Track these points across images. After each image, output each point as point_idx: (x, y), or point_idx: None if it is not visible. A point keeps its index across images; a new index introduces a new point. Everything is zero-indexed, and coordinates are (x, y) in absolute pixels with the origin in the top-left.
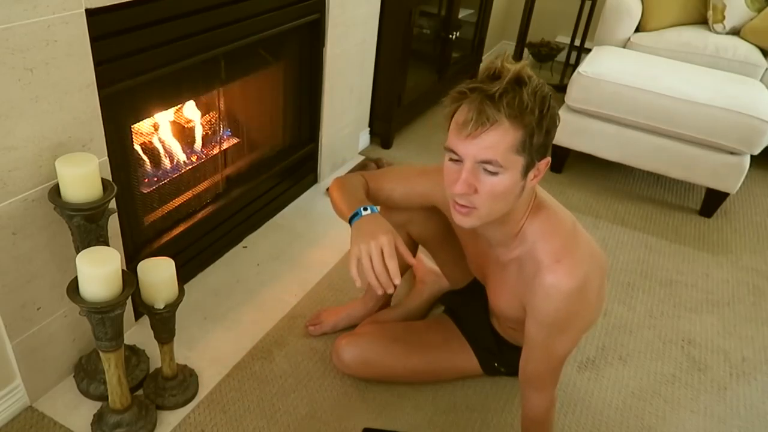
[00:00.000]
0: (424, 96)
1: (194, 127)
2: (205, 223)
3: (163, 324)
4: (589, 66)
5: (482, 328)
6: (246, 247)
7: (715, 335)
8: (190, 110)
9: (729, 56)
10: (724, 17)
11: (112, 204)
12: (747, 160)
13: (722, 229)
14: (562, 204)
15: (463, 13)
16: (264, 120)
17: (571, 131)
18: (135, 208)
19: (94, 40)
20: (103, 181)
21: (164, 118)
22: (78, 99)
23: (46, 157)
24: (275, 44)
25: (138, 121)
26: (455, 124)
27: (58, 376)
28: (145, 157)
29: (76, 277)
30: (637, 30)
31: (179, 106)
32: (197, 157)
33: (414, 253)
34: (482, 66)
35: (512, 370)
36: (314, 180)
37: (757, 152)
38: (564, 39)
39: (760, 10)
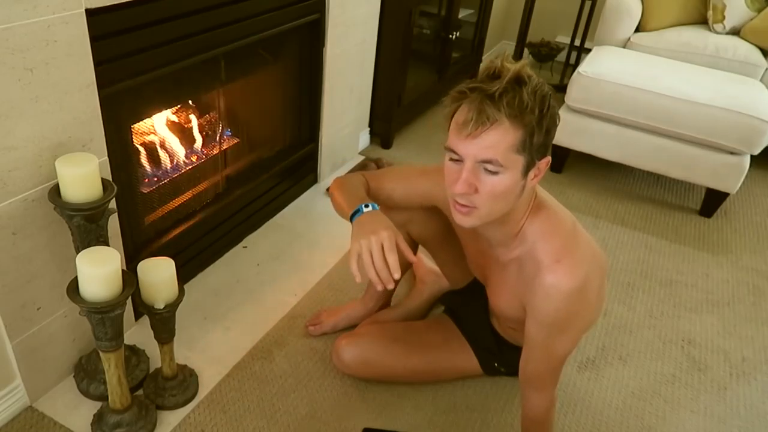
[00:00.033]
0: (424, 96)
1: (194, 127)
2: (205, 223)
3: (163, 324)
4: (589, 66)
5: (482, 328)
6: (246, 247)
7: (715, 335)
8: (190, 110)
9: (729, 56)
10: (724, 17)
11: (112, 204)
12: (747, 160)
13: (722, 229)
14: (562, 204)
15: (463, 13)
16: (264, 120)
17: (571, 131)
18: (135, 208)
19: (94, 40)
20: (103, 181)
21: (164, 118)
22: (78, 99)
23: (46, 157)
24: (275, 44)
25: (138, 121)
26: (455, 123)
27: (58, 376)
28: (145, 157)
29: (76, 277)
30: (637, 30)
31: (179, 106)
32: (197, 157)
33: (414, 252)
34: (482, 66)
35: (512, 370)
36: (314, 180)
37: (757, 152)
38: (564, 39)
39: (760, 10)
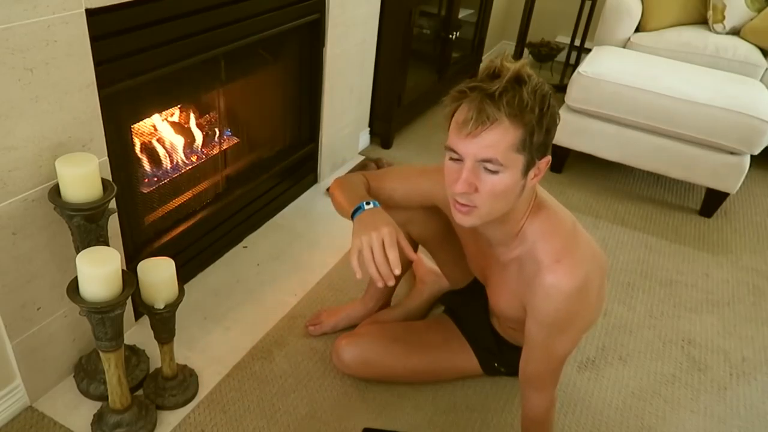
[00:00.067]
0: (424, 96)
1: (194, 127)
2: (205, 223)
3: (163, 324)
4: (589, 66)
5: (482, 328)
6: (246, 247)
7: (715, 335)
8: (190, 110)
9: (729, 56)
10: (724, 17)
11: (112, 204)
12: (747, 160)
13: (722, 229)
14: (562, 204)
15: (463, 13)
16: (264, 120)
17: (571, 131)
18: (135, 208)
19: (94, 40)
20: (103, 181)
21: (164, 118)
22: (78, 99)
23: (46, 157)
24: (275, 44)
25: (138, 121)
26: (455, 123)
27: (58, 376)
28: (145, 157)
29: (76, 277)
30: (637, 30)
31: (179, 105)
32: (197, 157)
33: (414, 251)
34: (482, 66)
35: (512, 370)
36: (314, 180)
37: (757, 152)
38: (564, 39)
39: (760, 10)
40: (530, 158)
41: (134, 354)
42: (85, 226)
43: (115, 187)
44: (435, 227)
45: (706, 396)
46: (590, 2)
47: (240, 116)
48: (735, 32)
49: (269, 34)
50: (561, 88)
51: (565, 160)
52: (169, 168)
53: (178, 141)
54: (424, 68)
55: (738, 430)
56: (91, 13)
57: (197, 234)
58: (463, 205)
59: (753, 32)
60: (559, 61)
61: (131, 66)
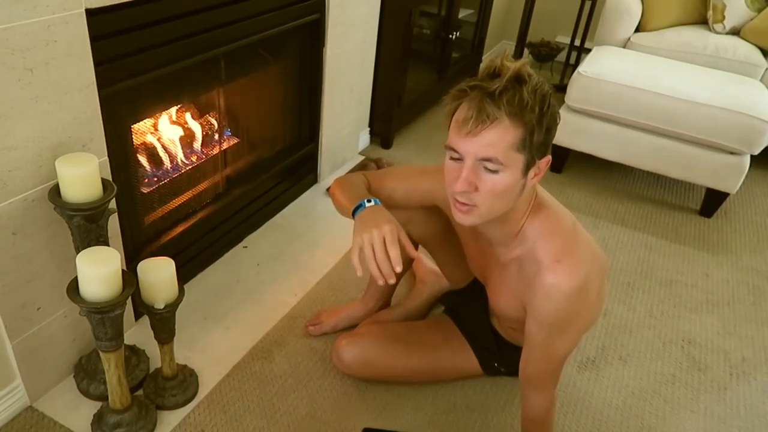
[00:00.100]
0: (424, 96)
1: (194, 127)
2: (205, 223)
3: (163, 324)
4: (589, 66)
5: (482, 328)
6: (246, 247)
7: (715, 335)
8: (190, 110)
9: (729, 56)
10: (724, 17)
11: (112, 204)
12: (747, 160)
13: (722, 229)
14: (562, 204)
15: (463, 13)
16: (264, 120)
17: (571, 131)
18: (135, 208)
19: (94, 40)
20: (103, 181)
21: (164, 117)
22: (78, 99)
23: (46, 157)
24: (275, 44)
25: (138, 121)
26: (455, 122)
27: (58, 376)
28: (145, 157)
29: (76, 277)
30: (637, 30)
31: (179, 105)
32: (197, 157)
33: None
34: (482, 66)
35: (512, 370)
36: (314, 180)
37: (757, 152)
38: (564, 39)
39: (760, 10)
40: (530, 157)
41: (134, 354)
42: (85, 226)
43: (115, 187)
44: (435, 227)
45: (706, 396)
46: (590, 2)
47: (240, 116)
48: (735, 32)
49: (269, 34)
50: (561, 88)
51: (565, 160)
52: (169, 168)
53: (178, 141)
54: (424, 68)
55: (738, 430)
56: (91, 13)
57: (197, 234)
58: (463, 204)
59: (753, 32)
60: (559, 61)
61: (131, 66)
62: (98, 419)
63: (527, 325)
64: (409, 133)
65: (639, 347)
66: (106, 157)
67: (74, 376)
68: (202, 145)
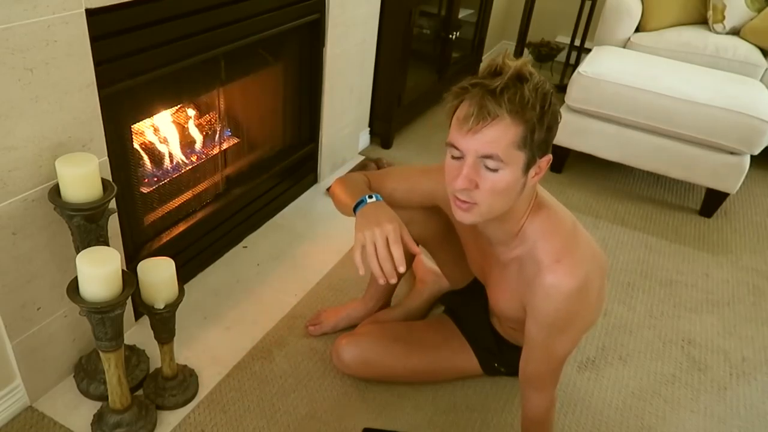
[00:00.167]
0: (424, 96)
1: (194, 127)
2: (205, 223)
3: (163, 324)
4: (589, 66)
5: (482, 328)
6: (246, 247)
7: (715, 335)
8: (190, 110)
9: (729, 56)
10: (724, 17)
11: (112, 204)
12: (747, 160)
13: (722, 229)
14: (562, 204)
15: (463, 13)
16: (264, 120)
17: (571, 131)
18: (135, 208)
19: (94, 40)
20: (103, 181)
21: (164, 118)
22: (78, 99)
23: (46, 157)
24: (275, 44)
25: (138, 121)
26: (456, 119)
27: (58, 376)
28: (145, 157)
29: (76, 277)
30: (637, 30)
31: (179, 105)
32: (197, 157)
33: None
34: (483, 65)
35: (512, 370)
36: (314, 180)
37: (757, 152)
38: (564, 39)
39: (760, 10)
40: (531, 156)
41: (134, 354)
42: (85, 226)
43: (115, 187)
44: (435, 227)
45: (706, 396)
46: (590, 2)
47: (240, 116)
48: (735, 32)
49: (269, 34)
50: (561, 88)
51: (565, 160)
52: (169, 168)
53: (178, 141)
54: (424, 68)
55: (738, 430)
56: (91, 13)
57: (197, 234)
58: (463, 201)
59: (753, 32)
60: (559, 61)
61: (131, 66)
62: (98, 419)
63: (527, 325)
64: (409, 133)
65: (639, 347)
66: (106, 157)
67: (74, 376)
68: (202, 145)
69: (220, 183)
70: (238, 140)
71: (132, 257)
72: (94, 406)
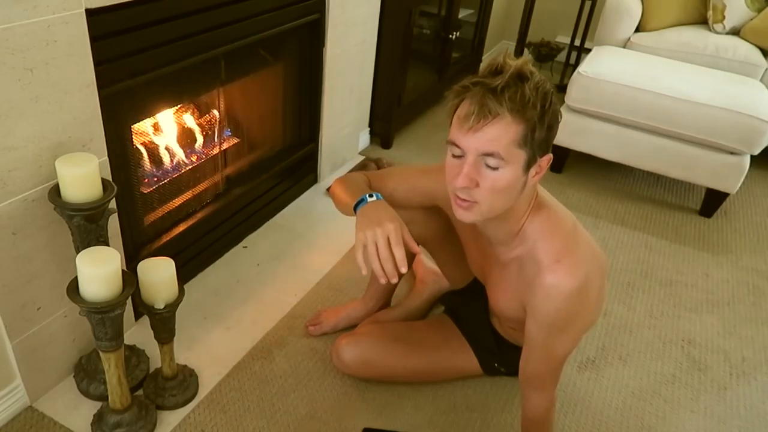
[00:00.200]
0: (424, 96)
1: (194, 127)
2: (205, 223)
3: (163, 324)
4: (589, 66)
5: (482, 328)
6: (246, 247)
7: (715, 335)
8: (190, 110)
9: (729, 56)
10: (724, 17)
11: (112, 204)
12: (747, 160)
13: (722, 229)
14: (562, 204)
15: (463, 13)
16: (264, 120)
17: (571, 131)
18: (135, 208)
19: (94, 40)
20: (103, 181)
21: (164, 117)
22: (78, 99)
23: (46, 157)
24: (275, 44)
25: (138, 121)
26: (457, 118)
27: (58, 376)
28: (145, 157)
29: (76, 277)
30: (637, 30)
31: (179, 106)
32: (197, 157)
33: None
34: (483, 65)
35: (512, 370)
36: (314, 180)
37: (757, 152)
38: (564, 39)
39: (760, 10)
40: (532, 154)
41: (134, 354)
42: (85, 226)
43: (115, 187)
44: (435, 227)
45: (706, 396)
46: (590, 2)
47: (240, 116)
48: (735, 32)
49: (269, 34)
50: (561, 88)
51: (565, 160)
52: (169, 168)
53: (178, 141)
54: (424, 68)
55: (738, 430)
56: (91, 13)
57: (197, 234)
58: (463, 200)
59: (753, 32)
60: (559, 61)
61: (131, 66)
62: (98, 419)
63: (527, 325)
64: (409, 133)
65: (639, 347)
66: (106, 157)
67: (74, 376)
68: (202, 145)
69: (220, 183)
70: (238, 140)
71: (132, 257)
72: (94, 406)
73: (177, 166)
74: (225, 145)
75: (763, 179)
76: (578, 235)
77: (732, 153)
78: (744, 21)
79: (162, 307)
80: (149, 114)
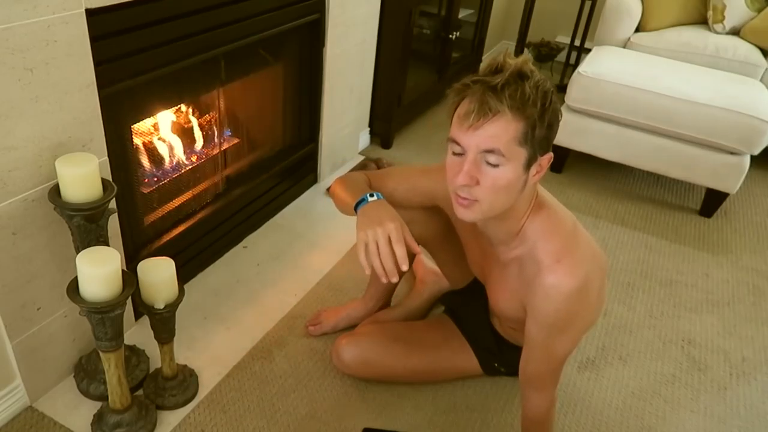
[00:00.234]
0: (424, 96)
1: (194, 127)
2: (205, 223)
3: (163, 324)
4: (589, 66)
5: (482, 328)
6: (246, 247)
7: (715, 335)
8: (190, 110)
9: (729, 56)
10: (724, 17)
11: (112, 204)
12: (747, 160)
13: (722, 229)
14: (562, 204)
15: (463, 13)
16: (264, 120)
17: (571, 131)
18: (135, 208)
19: (94, 40)
20: (103, 181)
21: (164, 117)
22: (78, 99)
23: (46, 157)
24: (275, 44)
25: (138, 121)
26: (458, 116)
27: (58, 376)
28: (145, 157)
29: (76, 277)
30: (637, 30)
31: (179, 106)
32: (197, 157)
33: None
34: (483, 65)
35: (512, 370)
36: (314, 180)
37: (757, 152)
38: (564, 39)
39: (760, 10)
40: (532, 152)
41: (134, 354)
42: (85, 226)
43: (115, 187)
44: (435, 227)
45: (706, 396)
46: (590, 2)
47: (240, 116)
48: (735, 32)
49: (269, 34)
50: (561, 88)
51: (565, 160)
52: (169, 168)
53: (178, 141)
54: (424, 68)
55: (738, 430)
56: (91, 13)
57: (197, 234)
58: (464, 198)
59: (753, 32)
60: (559, 61)
61: (131, 66)
62: (98, 419)
63: (527, 325)
64: (409, 133)
65: (639, 347)
66: (106, 157)
67: (74, 376)
68: (202, 145)
69: (220, 183)
70: (238, 140)
71: (132, 257)
72: (94, 406)
73: (177, 166)
74: (225, 145)
75: (763, 179)
76: (578, 235)
77: (732, 153)
78: (744, 21)
79: (162, 307)
80: (149, 114)
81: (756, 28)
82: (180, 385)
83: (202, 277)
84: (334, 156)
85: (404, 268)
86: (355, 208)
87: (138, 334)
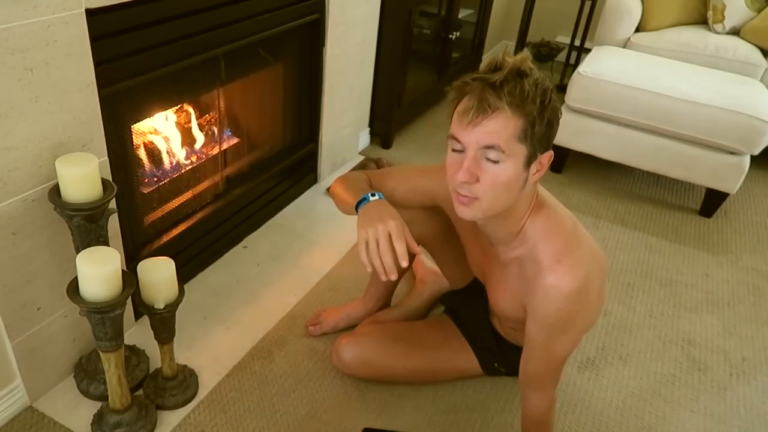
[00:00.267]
0: (424, 96)
1: (194, 126)
2: (205, 223)
3: (163, 324)
4: (589, 66)
5: (482, 328)
6: (246, 247)
7: (715, 335)
8: (190, 110)
9: (729, 56)
10: (724, 17)
11: (112, 204)
12: (747, 160)
13: (722, 229)
14: (562, 204)
15: (463, 13)
16: (264, 120)
17: (571, 131)
18: (135, 208)
19: (94, 40)
20: (103, 181)
21: (164, 118)
22: (78, 99)
23: (46, 157)
24: (275, 44)
25: (138, 121)
26: (457, 113)
27: (58, 376)
28: (145, 157)
29: (76, 277)
30: (637, 30)
31: (179, 105)
32: (197, 156)
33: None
34: (482, 64)
35: (512, 370)
36: (314, 180)
37: (757, 152)
38: (564, 39)
39: (760, 10)
40: (532, 150)
41: (134, 354)
42: (85, 226)
43: (115, 187)
44: (435, 227)
45: (706, 396)
46: (590, 2)
47: (240, 116)
48: (735, 32)
49: (269, 34)
50: (561, 88)
51: (565, 160)
52: (169, 168)
53: (178, 141)
54: (424, 68)
55: (738, 430)
56: (91, 13)
57: (197, 234)
58: (464, 196)
59: (753, 32)
60: (559, 61)
61: (131, 66)
62: (98, 419)
63: (527, 325)
64: (409, 133)
65: (639, 347)
66: (106, 157)
67: (74, 376)
68: (202, 145)
69: (220, 183)
70: (238, 140)
71: (132, 257)
72: (94, 406)
73: (177, 166)
74: (225, 145)
75: (763, 179)
76: (578, 235)
77: (732, 153)
78: (744, 21)
79: (162, 307)
80: (149, 114)
81: (756, 28)
82: (180, 385)
83: (202, 277)
84: (334, 156)
85: (404, 263)
86: (357, 208)
87: (138, 334)
